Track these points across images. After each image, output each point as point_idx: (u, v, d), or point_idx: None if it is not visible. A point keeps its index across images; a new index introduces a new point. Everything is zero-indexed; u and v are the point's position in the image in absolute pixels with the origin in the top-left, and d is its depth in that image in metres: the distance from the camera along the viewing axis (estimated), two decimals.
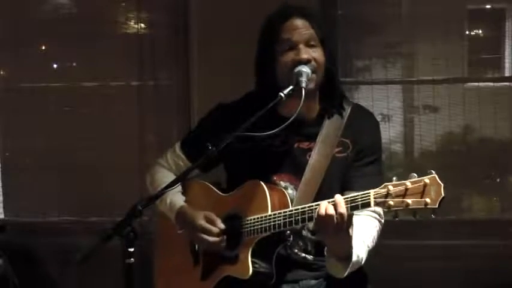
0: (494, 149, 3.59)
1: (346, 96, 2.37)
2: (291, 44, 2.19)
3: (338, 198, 1.94)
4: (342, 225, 1.93)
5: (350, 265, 2.03)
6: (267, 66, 2.23)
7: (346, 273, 2.04)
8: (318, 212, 1.95)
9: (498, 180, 3.70)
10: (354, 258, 2.03)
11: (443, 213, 3.49)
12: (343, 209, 1.91)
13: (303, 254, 2.23)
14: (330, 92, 2.28)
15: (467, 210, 3.64)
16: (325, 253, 2.10)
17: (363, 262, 2.11)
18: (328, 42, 2.25)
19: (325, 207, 1.94)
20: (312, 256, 2.24)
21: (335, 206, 1.92)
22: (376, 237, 2.19)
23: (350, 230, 1.97)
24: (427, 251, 3.42)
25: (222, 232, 2.21)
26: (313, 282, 2.25)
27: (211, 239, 2.20)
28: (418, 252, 3.41)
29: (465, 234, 3.45)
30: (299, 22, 2.21)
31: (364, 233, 2.13)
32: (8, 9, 3.75)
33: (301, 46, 2.18)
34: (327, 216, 1.92)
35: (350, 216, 1.94)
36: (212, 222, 2.22)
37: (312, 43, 2.20)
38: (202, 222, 2.22)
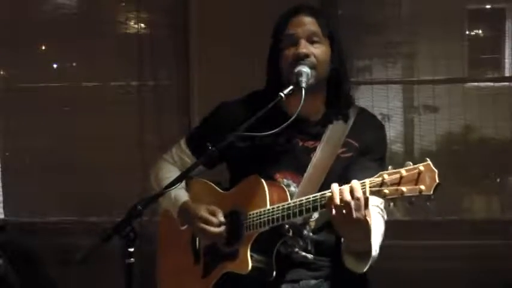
0: (494, 149, 3.59)
1: (352, 102, 2.35)
2: (294, 39, 2.21)
3: (354, 183, 1.90)
4: (359, 210, 1.90)
5: (370, 260, 2.03)
6: (273, 61, 2.27)
7: (366, 268, 2.04)
8: (333, 198, 1.92)
9: (498, 180, 3.70)
10: (373, 253, 2.03)
11: (443, 213, 3.52)
12: (359, 192, 1.89)
13: (303, 253, 2.23)
14: (337, 97, 2.28)
15: (467, 210, 3.64)
16: (343, 251, 2.10)
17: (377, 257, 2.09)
18: (336, 43, 2.27)
19: (340, 193, 1.91)
20: (311, 255, 2.23)
21: (351, 192, 1.90)
22: (383, 232, 2.17)
23: (368, 219, 1.94)
24: (427, 251, 3.42)
25: (222, 223, 2.22)
26: (313, 282, 2.25)
27: (211, 229, 2.22)
28: (418, 252, 3.41)
29: (465, 234, 3.45)
30: (305, 19, 2.23)
31: (376, 227, 2.11)
32: (8, 9, 3.76)
33: (303, 41, 2.20)
34: (343, 202, 1.90)
35: (366, 200, 1.91)
36: (213, 213, 2.24)
37: (315, 39, 2.22)
38: (204, 213, 2.24)
